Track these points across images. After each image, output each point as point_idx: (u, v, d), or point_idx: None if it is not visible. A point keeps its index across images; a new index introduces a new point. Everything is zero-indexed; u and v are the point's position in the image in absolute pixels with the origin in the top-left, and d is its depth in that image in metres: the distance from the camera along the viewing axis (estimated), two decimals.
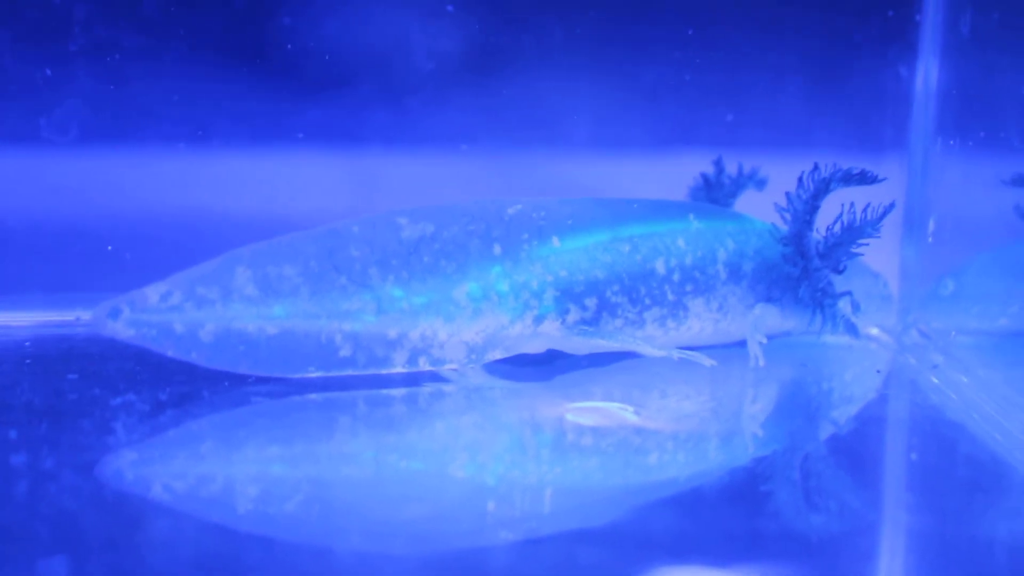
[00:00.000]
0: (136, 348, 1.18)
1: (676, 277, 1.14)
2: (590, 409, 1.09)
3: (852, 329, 1.17)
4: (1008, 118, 1.17)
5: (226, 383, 1.09)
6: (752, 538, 0.89)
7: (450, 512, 0.91)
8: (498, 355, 1.13)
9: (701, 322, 1.16)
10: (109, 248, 1.29)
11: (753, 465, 1.01)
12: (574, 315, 1.13)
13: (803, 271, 1.16)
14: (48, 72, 1.24)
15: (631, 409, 1.08)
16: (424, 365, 1.11)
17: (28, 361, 1.16)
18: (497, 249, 1.12)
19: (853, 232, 1.14)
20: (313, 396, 1.08)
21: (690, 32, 1.32)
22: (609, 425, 1.07)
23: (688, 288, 1.15)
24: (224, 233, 1.33)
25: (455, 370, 1.12)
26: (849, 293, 1.17)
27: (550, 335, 1.13)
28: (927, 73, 1.27)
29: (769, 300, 1.17)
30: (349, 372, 1.09)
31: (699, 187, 1.27)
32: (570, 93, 1.36)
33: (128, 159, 1.31)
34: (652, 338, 1.15)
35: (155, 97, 1.28)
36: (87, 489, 0.91)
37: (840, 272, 1.15)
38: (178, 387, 1.09)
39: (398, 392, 1.10)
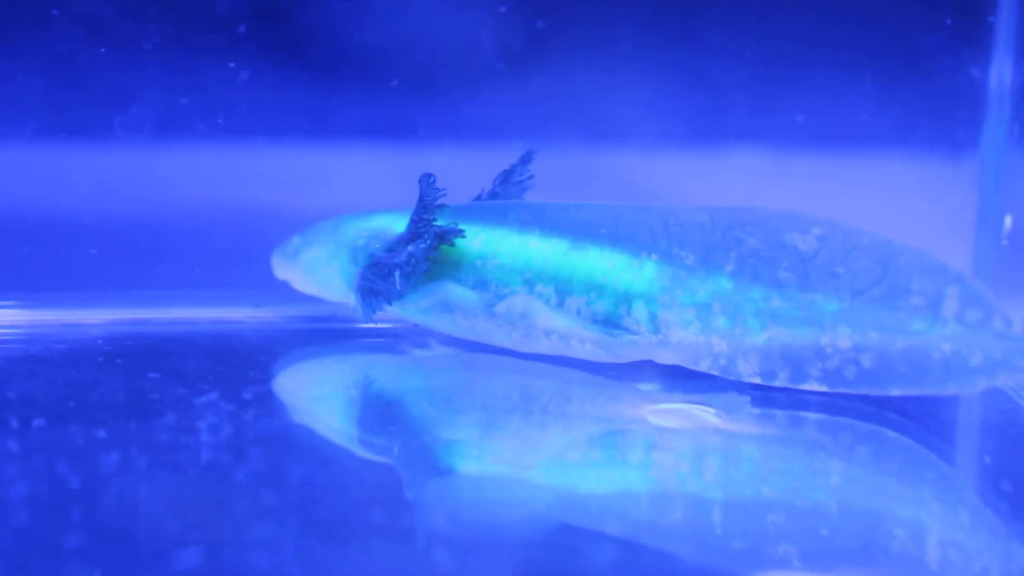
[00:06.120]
0: (212, 346, 1.19)
1: None
2: (672, 411, 1.09)
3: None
4: None
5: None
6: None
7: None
8: None
9: None
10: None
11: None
12: None
13: None
14: (120, 70, 1.25)
15: (712, 411, 1.08)
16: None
17: (100, 359, 1.16)
18: None
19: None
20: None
21: (760, 29, 1.31)
22: (691, 428, 1.07)
23: None
24: (276, 229, 1.33)
25: None
26: None
27: None
28: (1001, 74, 1.27)
29: None
30: None
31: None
32: (633, 89, 1.36)
33: (184, 155, 1.30)
34: None
35: (202, 93, 1.28)
36: (193, 487, 0.91)
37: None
38: (258, 386, 1.10)
39: None
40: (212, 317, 1.26)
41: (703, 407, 1.08)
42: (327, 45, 1.30)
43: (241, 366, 1.15)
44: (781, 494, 0.96)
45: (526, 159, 1.20)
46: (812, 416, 1.06)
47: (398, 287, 1.13)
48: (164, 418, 1.02)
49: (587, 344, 1.11)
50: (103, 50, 1.24)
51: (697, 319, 1.08)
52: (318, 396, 1.13)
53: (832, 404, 1.07)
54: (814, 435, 1.05)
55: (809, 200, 1.28)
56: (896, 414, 1.07)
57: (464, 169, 1.33)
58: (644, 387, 1.11)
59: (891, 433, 1.05)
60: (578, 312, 1.10)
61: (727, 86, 1.33)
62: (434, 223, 1.13)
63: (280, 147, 1.31)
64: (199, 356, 1.17)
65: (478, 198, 1.21)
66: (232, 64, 1.27)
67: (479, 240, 1.14)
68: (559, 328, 1.10)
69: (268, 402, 1.07)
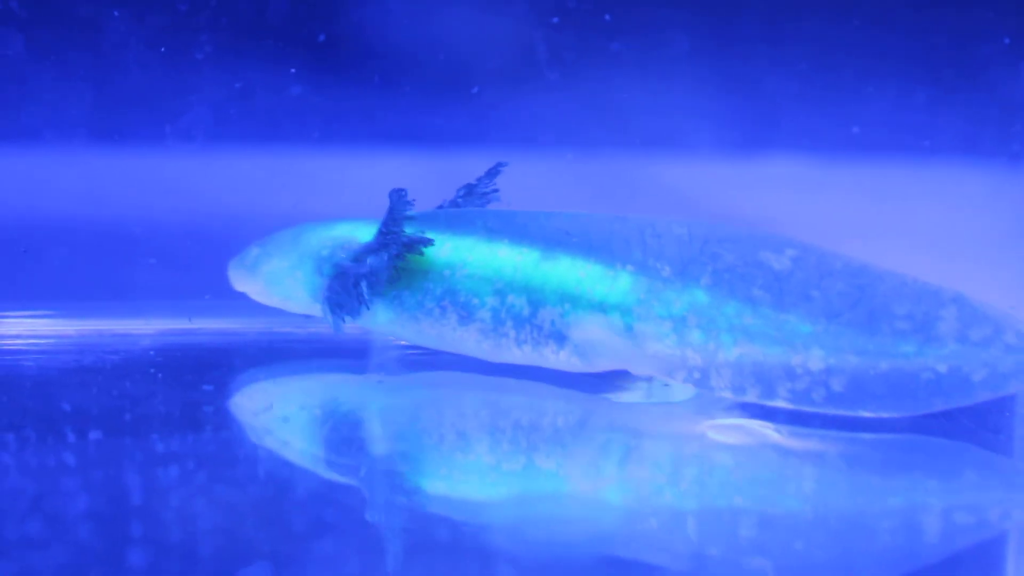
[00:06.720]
0: (262, 357, 1.18)
1: None
2: (732, 426, 1.07)
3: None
4: None
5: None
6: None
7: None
8: None
9: None
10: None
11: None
12: None
13: None
14: (171, 77, 1.24)
15: (772, 426, 1.07)
16: None
17: (152, 370, 1.16)
18: None
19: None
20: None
21: (816, 41, 1.30)
22: (751, 443, 1.05)
23: None
24: None
25: None
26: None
27: None
28: None
29: None
30: None
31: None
32: (683, 98, 1.35)
33: (232, 163, 1.30)
34: None
35: (251, 101, 1.28)
36: (249, 500, 0.90)
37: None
38: (308, 400, 1.09)
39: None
40: (260, 328, 1.26)
41: (763, 422, 1.07)
42: (358, 49, 1.30)
43: (293, 379, 1.14)
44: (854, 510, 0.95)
45: (493, 172, 1.18)
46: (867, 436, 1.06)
47: (365, 298, 1.11)
48: (220, 432, 1.01)
49: (561, 354, 1.10)
50: (155, 56, 1.24)
51: (673, 332, 1.07)
52: (374, 410, 1.12)
53: (887, 423, 1.06)
54: (865, 452, 1.05)
55: (866, 211, 1.28)
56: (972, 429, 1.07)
57: (506, 173, 1.33)
58: (623, 398, 1.10)
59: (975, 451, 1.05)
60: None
61: (780, 96, 1.32)
62: (402, 234, 1.11)
63: (333, 154, 1.30)
64: (250, 368, 1.16)
65: (440, 208, 1.19)
66: (292, 70, 1.27)
67: (447, 248, 1.12)
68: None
69: (319, 416, 1.06)
